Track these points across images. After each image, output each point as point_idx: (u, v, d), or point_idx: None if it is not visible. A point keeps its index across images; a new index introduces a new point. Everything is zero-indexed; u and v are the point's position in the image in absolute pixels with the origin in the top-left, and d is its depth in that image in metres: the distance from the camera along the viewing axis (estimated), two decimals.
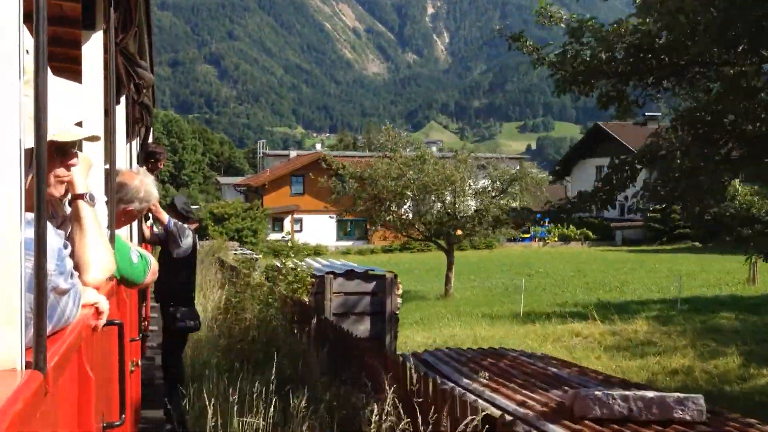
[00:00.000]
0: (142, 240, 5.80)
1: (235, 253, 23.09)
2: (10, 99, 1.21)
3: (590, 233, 51.36)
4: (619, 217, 54.94)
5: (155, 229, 6.73)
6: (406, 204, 23.25)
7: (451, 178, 21.97)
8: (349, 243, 53.82)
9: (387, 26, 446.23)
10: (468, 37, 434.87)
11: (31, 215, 1.33)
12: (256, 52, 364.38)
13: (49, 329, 1.44)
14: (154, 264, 2.99)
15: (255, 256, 21.98)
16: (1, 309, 1.21)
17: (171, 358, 6.22)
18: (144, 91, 4.57)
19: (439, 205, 22.89)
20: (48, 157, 1.80)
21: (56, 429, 1.45)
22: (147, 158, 7.28)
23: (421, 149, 24.43)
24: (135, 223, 4.68)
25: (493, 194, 23.27)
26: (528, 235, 50.34)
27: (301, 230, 53.97)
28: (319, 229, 53.24)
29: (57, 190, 2.00)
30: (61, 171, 1.95)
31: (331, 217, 50.67)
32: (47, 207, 2.12)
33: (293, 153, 72.14)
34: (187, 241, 6.12)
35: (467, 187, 22.94)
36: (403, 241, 47.71)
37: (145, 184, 3.29)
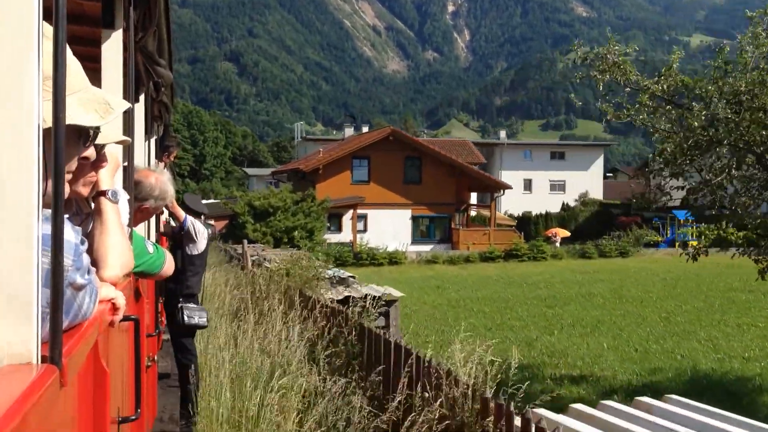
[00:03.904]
0: (157, 235, 5.86)
1: (329, 277, 12.74)
2: (28, 98, 1.23)
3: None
4: None
5: (172, 224, 6.81)
6: None
7: None
8: (428, 247, 40.92)
9: (407, 24, 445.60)
10: (489, 35, 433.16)
11: (49, 211, 1.35)
12: (275, 50, 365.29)
13: (65, 324, 1.46)
14: (169, 256, 3.03)
15: (383, 290, 11.73)
16: (18, 304, 1.23)
17: (182, 352, 6.30)
18: (162, 89, 4.60)
19: None
20: (79, 159, 1.83)
21: (72, 422, 1.48)
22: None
23: None
24: (153, 220, 4.72)
25: None
26: (662, 240, 40.14)
27: (365, 229, 40.94)
28: (387, 228, 40.79)
29: (85, 191, 2.02)
30: (90, 172, 1.98)
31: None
32: (72, 204, 2.16)
33: (349, 131, 57.03)
34: (204, 242, 6.25)
35: None
36: (510, 246, 38.69)
37: (161, 182, 3.31)
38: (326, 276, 12.67)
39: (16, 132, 1.22)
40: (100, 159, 1.97)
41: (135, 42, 3.06)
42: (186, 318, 6.14)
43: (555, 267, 34.41)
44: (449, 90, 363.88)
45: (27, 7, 1.21)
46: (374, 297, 9.14)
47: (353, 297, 10.56)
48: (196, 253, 6.28)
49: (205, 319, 6.27)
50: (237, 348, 6.46)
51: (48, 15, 1.28)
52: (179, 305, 6.19)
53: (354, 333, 7.18)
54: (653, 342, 15.84)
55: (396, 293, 12.42)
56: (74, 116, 1.69)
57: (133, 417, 2.38)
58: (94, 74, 3.03)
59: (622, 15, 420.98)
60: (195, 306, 6.24)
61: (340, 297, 10.90)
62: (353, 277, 13.82)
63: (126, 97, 3.07)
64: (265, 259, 16.43)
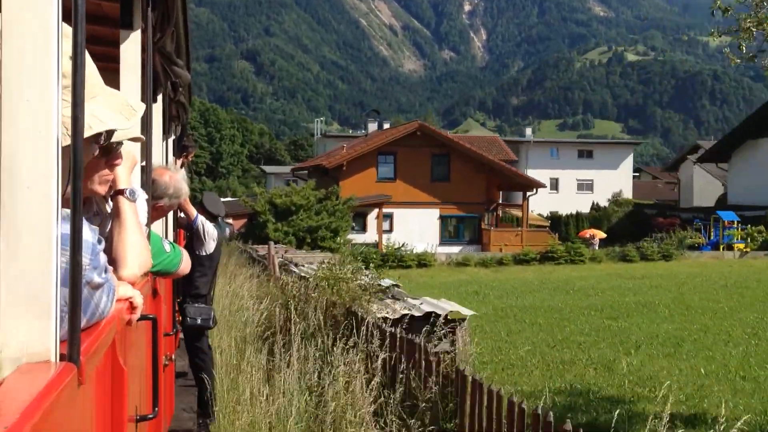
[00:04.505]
0: (175, 233, 5.88)
1: (379, 288, 10.15)
2: (48, 98, 1.24)
3: None
4: None
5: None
6: None
7: None
8: (456, 248, 38.61)
9: (423, 23, 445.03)
10: (505, 34, 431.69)
11: (67, 211, 1.36)
12: (292, 49, 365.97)
13: (83, 323, 1.47)
14: (185, 254, 3.04)
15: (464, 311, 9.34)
16: (37, 303, 1.24)
17: (194, 352, 6.34)
18: (180, 89, 4.63)
19: None
20: (93, 157, 1.83)
21: (90, 420, 1.49)
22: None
23: None
24: (170, 218, 4.74)
25: None
26: (706, 242, 38.60)
27: (391, 229, 38.82)
28: (414, 228, 38.66)
29: (102, 189, 2.02)
30: (105, 170, 1.98)
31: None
32: (92, 204, 2.18)
33: (372, 126, 54.84)
34: (212, 244, 6.27)
35: None
36: (544, 248, 36.66)
37: (175, 180, 3.32)
38: (379, 291, 10.08)
39: (35, 133, 1.23)
40: (116, 156, 1.98)
41: (153, 43, 3.08)
42: (189, 319, 6.18)
43: (596, 271, 31.87)
44: (465, 89, 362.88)
45: (46, 8, 1.22)
46: (439, 316, 7.44)
47: (413, 316, 8.31)
48: (205, 254, 6.29)
49: (209, 320, 6.29)
50: (272, 389, 5.62)
51: (67, 16, 1.29)
52: (184, 306, 6.24)
53: (448, 384, 5.40)
54: (757, 367, 13.15)
55: (465, 311, 9.49)
56: (104, 119, 1.70)
57: (151, 415, 2.40)
58: (112, 75, 3.05)
59: (640, 14, 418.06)
60: (200, 306, 6.26)
61: (397, 316, 8.53)
62: (397, 285, 11.44)
63: (144, 97, 3.09)
64: (291, 262, 14.96)
